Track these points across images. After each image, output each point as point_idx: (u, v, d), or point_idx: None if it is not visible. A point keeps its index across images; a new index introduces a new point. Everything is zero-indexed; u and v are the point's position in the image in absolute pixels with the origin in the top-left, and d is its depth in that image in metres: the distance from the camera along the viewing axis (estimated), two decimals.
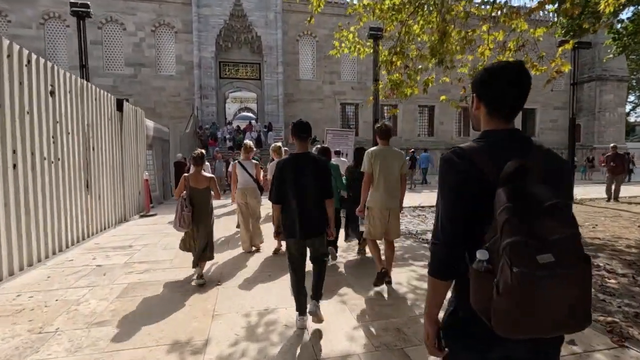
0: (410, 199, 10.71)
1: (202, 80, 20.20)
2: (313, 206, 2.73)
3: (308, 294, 2.78)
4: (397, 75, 7.56)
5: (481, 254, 0.86)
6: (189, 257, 3.97)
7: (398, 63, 7.17)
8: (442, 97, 7.60)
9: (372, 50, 8.40)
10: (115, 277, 3.94)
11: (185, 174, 4.04)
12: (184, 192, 3.84)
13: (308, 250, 2.79)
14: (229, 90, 22.50)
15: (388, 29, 7.48)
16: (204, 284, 3.72)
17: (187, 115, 19.70)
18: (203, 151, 4.21)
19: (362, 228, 4.02)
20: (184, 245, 3.97)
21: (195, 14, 19.66)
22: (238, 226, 5.51)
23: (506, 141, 1.04)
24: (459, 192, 0.99)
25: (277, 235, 3.07)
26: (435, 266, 1.04)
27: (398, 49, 7.13)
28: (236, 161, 5.29)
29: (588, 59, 26.16)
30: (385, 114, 23.67)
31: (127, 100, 19.92)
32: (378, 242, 3.72)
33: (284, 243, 3.17)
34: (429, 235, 5.68)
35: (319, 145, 5.47)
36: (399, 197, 3.65)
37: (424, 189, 14.97)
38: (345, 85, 23.27)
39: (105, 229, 6.35)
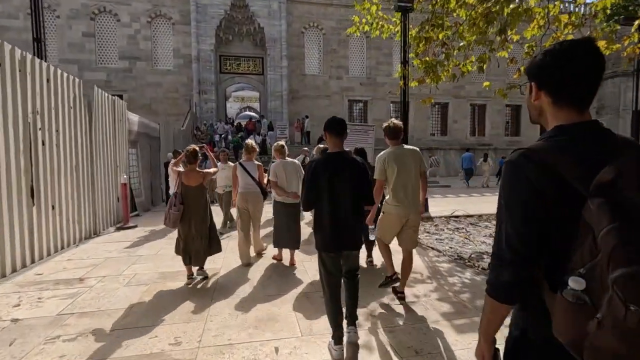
0: (443, 204, 9.28)
1: (201, 74, 18.84)
2: (351, 214, 2.48)
3: None
4: (430, 58, 6.13)
5: (575, 283, 0.74)
6: (155, 306, 2.91)
7: (437, 37, 5.73)
8: (486, 84, 6.16)
9: (396, 29, 6.93)
10: (26, 350, 2.47)
11: (180, 169, 3.98)
12: (177, 189, 3.82)
13: None
14: (229, 85, 21.12)
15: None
16: (206, 277, 3.89)
17: (185, 112, 18.35)
18: (196, 147, 4.09)
19: (371, 237, 3.71)
20: (177, 249, 3.92)
21: (193, 3, 18.31)
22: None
23: (588, 137, 0.89)
24: (531, 203, 0.86)
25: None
26: (498, 289, 0.92)
27: (435, 21, 5.68)
28: (237, 162, 4.86)
29: (613, 53, 24.55)
30: (391, 114, 22.21)
31: (122, 97, 18.86)
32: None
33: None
34: (488, 261, 4.28)
35: (321, 145, 5.11)
36: (420, 201, 3.35)
37: (463, 192, 13.41)
38: (353, 80, 21.84)
39: (62, 248, 4.97)
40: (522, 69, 5.37)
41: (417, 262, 4.25)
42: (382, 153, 3.37)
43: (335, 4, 21.14)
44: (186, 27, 19.01)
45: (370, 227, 3.50)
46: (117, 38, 18.93)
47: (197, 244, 3.80)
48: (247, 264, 4.45)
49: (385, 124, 3.39)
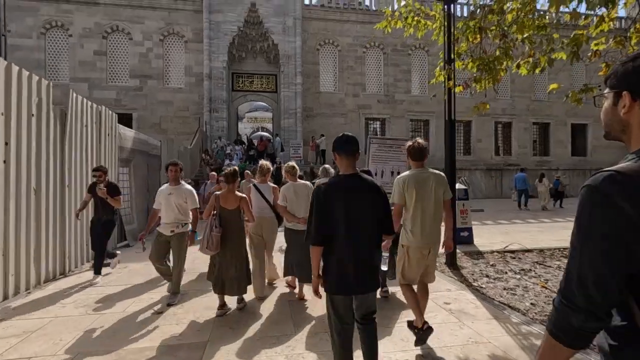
0: (486, 234, 7.81)
1: (213, 92, 18.14)
2: (369, 247, 2.11)
3: None
4: (486, 54, 4.91)
5: None
6: None
7: (496, 27, 4.53)
8: (553, 86, 4.85)
9: (435, 25, 5.78)
10: None
11: (216, 192, 3.92)
12: (214, 212, 3.67)
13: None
14: (242, 103, 20.38)
15: None
16: (243, 307, 3.73)
17: (203, 134, 17.57)
18: (236, 168, 4.03)
19: (383, 267, 3.29)
20: (210, 276, 3.73)
21: (206, 20, 17.84)
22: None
23: None
24: (620, 239, 0.73)
25: (317, 290, 2.17)
26: (564, 332, 0.81)
27: (494, 5, 4.49)
28: (251, 184, 4.64)
29: None
30: (410, 133, 20.98)
31: (131, 116, 18.22)
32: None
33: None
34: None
35: (326, 166, 4.81)
36: (440, 231, 2.98)
37: (519, 217, 11.89)
38: (370, 98, 20.83)
39: (5, 299, 3.76)
40: (606, 65, 4.08)
41: (503, 337, 2.90)
42: (401, 175, 3.07)
43: (352, 20, 20.48)
44: (199, 45, 18.52)
45: (383, 254, 3.11)
46: (128, 56, 18.55)
47: (232, 271, 3.61)
48: (261, 297, 4.09)
49: (409, 143, 3.05)
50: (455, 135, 5.66)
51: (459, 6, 21.79)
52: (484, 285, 4.24)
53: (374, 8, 20.99)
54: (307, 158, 17.91)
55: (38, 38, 17.74)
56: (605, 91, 0.90)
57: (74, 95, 4.82)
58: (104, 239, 4.77)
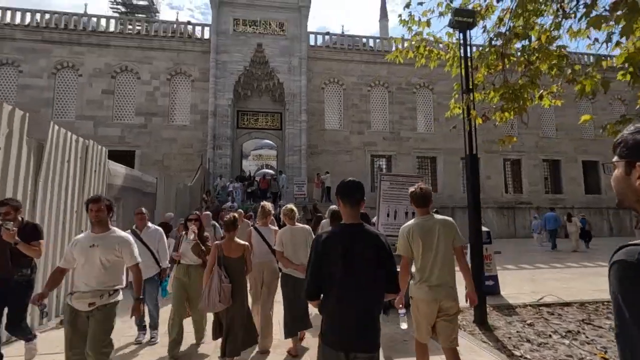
0: (513, 281, 6.96)
1: (217, 129, 18.04)
2: (371, 305, 1.89)
3: None
4: (507, 84, 4.45)
5: None
6: None
7: (522, 55, 4.10)
8: (585, 117, 4.31)
9: (448, 56, 5.41)
10: None
11: (217, 242, 3.68)
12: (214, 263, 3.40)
13: None
14: (246, 140, 20.26)
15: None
16: None
17: (205, 172, 17.24)
18: (235, 215, 3.79)
19: (402, 325, 2.84)
20: (217, 334, 3.48)
21: (213, 59, 18.17)
22: None
23: None
24: None
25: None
26: None
27: (517, 28, 4.08)
28: (251, 227, 4.45)
29: None
30: (417, 170, 20.50)
31: (134, 153, 18.01)
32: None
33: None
34: None
35: (334, 207, 4.38)
36: (453, 284, 2.70)
37: (542, 260, 10.97)
38: (375, 135, 20.62)
39: None
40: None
41: None
42: (406, 224, 2.88)
43: (356, 60, 20.82)
44: (205, 84, 18.74)
45: (400, 312, 2.86)
46: (135, 95, 18.74)
47: (237, 327, 3.32)
48: (265, 351, 3.77)
49: (411, 189, 2.88)
50: (478, 171, 5.07)
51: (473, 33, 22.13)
52: (528, 356, 3.42)
53: (378, 49, 21.42)
54: (312, 195, 17.33)
55: (49, 78, 18.07)
56: (615, 159, 0.90)
57: (55, 127, 4.38)
58: (18, 310, 3.36)
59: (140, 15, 24.94)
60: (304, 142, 18.49)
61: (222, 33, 18.50)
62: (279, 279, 4.05)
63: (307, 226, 4.23)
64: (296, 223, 4.06)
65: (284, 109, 19.18)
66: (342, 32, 21.83)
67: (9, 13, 18.17)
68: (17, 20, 18.13)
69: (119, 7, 27.11)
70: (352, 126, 20.32)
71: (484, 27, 4.87)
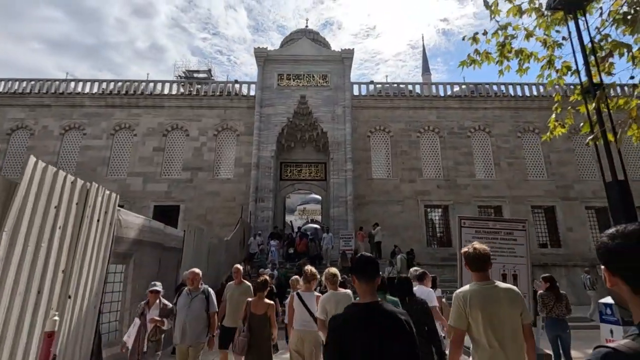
0: None
1: (260, 181, 17.48)
2: None
3: None
4: None
5: None
6: None
7: None
8: None
9: (543, 57, 3.96)
10: None
11: (249, 299, 4.24)
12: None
13: None
14: (290, 192, 19.45)
15: None
16: None
17: (246, 224, 16.46)
18: (267, 278, 4.37)
19: None
20: None
21: (257, 113, 18.27)
22: None
23: None
24: None
25: None
26: None
27: None
28: (294, 292, 4.36)
29: None
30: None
31: (179, 207, 17.82)
32: None
33: None
34: None
35: (417, 269, 4.34)
36: None
37: None
38: (428, 183, 18.77)
39: None
40: None
41: None
42: (461, 289, 2.47)
43: (403, 106, 19.92)
44: (249, 138, 18.71)
45: None
46: (183, 151, 19.15)
47: None
48: None
49: (464, 249, 2.51)
50: (633, 204, 3.18)
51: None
52: None
53: (425, 94, 20.47)
54: (357, 250, 15.50)
55: (107, 138, 19.21)
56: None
57: (37, 163, 3.50)
58: None
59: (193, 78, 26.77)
60: (350, 192, 17.16)
61: (266, 88, 18.80)
62: (321, 350, 3.89)
63: (349, 291, 3.97)
64: (339, 288, 3.88)
65: (328, 159, 18.32)
66: (386, 81, 21.36)
67: (80, 84, 20.19)
68: (87, 89, 20.01)
69: (182, 80, 29.86)
70: (402, 174, 18.76)
71: (600, 9, 3.41)
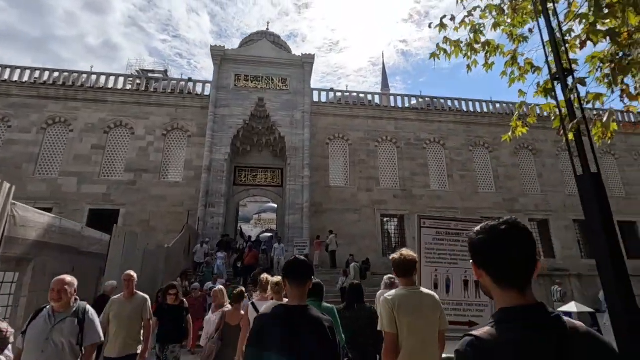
0: None
1: (211, 185, 16.39)
2: None
3: None
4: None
5: None
6: None
7: None
8: None
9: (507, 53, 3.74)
10: None
11: (225, 309, 4.31)
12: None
13: None
14: (243, 198, 18.51)
15: None
16: None
17: (192, 231, 15.20)
18: (243, 289, 4.57)
19: None
20: None
21: (211, 113, 17.26)
22: None
23: (533, 329, 0.89)
24: None
25: None
26: None
27: None
28: (249, 302, 4.06)
29: None
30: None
31: (118, 212, 16.14)
32: None
33: None
34: None
35: (390, 277, 4.04)
36: None
37: None
38: (385, 193, 18.79)
39: None
40: None
41: None
42: (389, 293, 2.45)
43: (362, 115, 19.94)
44: (202, 139, 17.58)
45: None
46: (127, 150, 17.55)
47: None
48: None
49: (393, 255, 2.60)
50: (606, 199, 2.89)
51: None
52: None
53: (384, 104, 20.70)
54: (312, 260, 14.92)
55: (37, 133, 17.10)
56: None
57: None
58: None
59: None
60: (307, 199, 16.62)
61: (222, 88, 17.89)
62: None
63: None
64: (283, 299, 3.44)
65: (286, 165, 17.71)
66: (347, 90, 21.36)
67: (8, 70, 17.90)
68: (16, 77, 17.78)
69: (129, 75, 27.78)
70: (359, 183, 18.61)
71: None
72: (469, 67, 3.94)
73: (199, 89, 19.19)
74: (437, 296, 2.52)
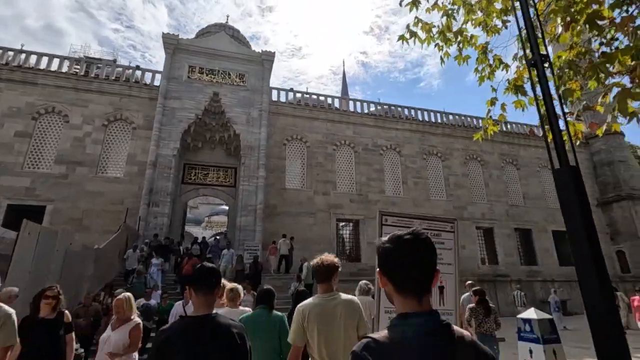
0: None
1: (156, 182, 15.08)
2: None
3: None
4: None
5: None
6: None
7: None
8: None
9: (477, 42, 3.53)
10: None
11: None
12: None
13: None
14: (192, 197, 17.33)
15: None
16: None
17: (131, 231, 13.76)
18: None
19: None
20: None
21: (160, 105, 15.98)
22: None
23: (427, 335, 0.96)
24: None
25: None
26: None
27: None
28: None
29: (609, 177, 23.45)
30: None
31: (44, 208, 14.23)
32: None
33: None
34: None
35: (296, 286, 2.40)
36: None
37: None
38: (342, 197, 18.62)
39: None
40: None
41: None
42: (303, 303, 2.36)
43: (321, 118, 19.68)
44: (149, 133, 16.20)
45: None
46: (59, 140, 15.67)
47: None
48: None
49: (314, 260, 2.44)
50: (585, 195, 2.63)
51: None
52: None
53: (343, 109, 20.64)
54: (268, 265, 14.22)
55: None
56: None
57: None
58: None
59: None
60: (261, 200, 15.90)
61: (174, 79, 16.69)
62: None
63: (247, 309, 3.46)
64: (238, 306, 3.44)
65: (240, 164, 16.86)
66: (307, 92, 21.03)
67: None
68: None
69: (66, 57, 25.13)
70: (316, 186, 18.26)
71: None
72: (442, 59, 3.70)
73: (148, 79, 17.75)
74: (357, 301, 2.39)
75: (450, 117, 22.82)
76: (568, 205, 2.14)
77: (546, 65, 2.49)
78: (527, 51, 2.77)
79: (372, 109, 21.69)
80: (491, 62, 3.65)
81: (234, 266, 12.13)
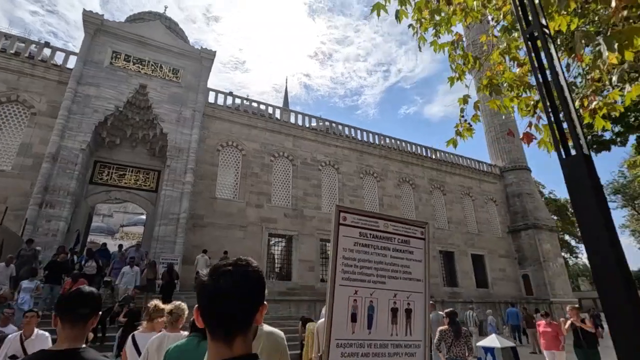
0: None
1: (54, 179, 12.59)
2: None
3: None
4: None
5: None
6: None
7: None
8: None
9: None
10: None
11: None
12: None
13: None
14: (101, 201, 14.90)
15: None
16: None
17: (10, 236, 11.03)
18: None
19: None
20: None
21: (71, 89, 13.63)
22: None
23: None
24: None
25: None
26: None
27: None
28: (130, 336, 3.17)
29: (519, 207, 26.10)
30: (321, 255, 17.75)
31: None
32: None
33: None
34: None
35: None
36: None
37: None
38: (276, 211, 17.65)
39: None
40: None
41: None
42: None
43: (260, 127, 18.74)
44: (53, 121, 13.66)
45: None
46: None
47: None
48: None
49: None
50: (605, 200, 2.20)
51: None
52: None
53: (283, 119, 19.99)
54: (171, 267, 12.50)
55: None
56: None
57: None
58: None
59: None
60: (185, 208, 14.21)
61: (92, 62, 14.48)
62: None
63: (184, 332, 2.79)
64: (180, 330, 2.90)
65: (164, 166, 15.02)
66: (247, 98, 20.03)
67: None
68: None
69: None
70: (249, 197, 17.06)
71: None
72: (419, 46, 3.21)
73: (59, 60, 15.21)
74: (278, 332, 2.12)
75: (387, 139, 23.56)
76: (583, 202, 1.63)
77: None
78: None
79: (314, 124, 21.41)
80: (461, 62, 3.27)
81: (144, 275, 10.30)
